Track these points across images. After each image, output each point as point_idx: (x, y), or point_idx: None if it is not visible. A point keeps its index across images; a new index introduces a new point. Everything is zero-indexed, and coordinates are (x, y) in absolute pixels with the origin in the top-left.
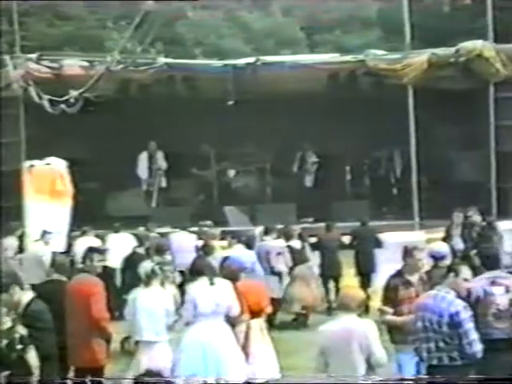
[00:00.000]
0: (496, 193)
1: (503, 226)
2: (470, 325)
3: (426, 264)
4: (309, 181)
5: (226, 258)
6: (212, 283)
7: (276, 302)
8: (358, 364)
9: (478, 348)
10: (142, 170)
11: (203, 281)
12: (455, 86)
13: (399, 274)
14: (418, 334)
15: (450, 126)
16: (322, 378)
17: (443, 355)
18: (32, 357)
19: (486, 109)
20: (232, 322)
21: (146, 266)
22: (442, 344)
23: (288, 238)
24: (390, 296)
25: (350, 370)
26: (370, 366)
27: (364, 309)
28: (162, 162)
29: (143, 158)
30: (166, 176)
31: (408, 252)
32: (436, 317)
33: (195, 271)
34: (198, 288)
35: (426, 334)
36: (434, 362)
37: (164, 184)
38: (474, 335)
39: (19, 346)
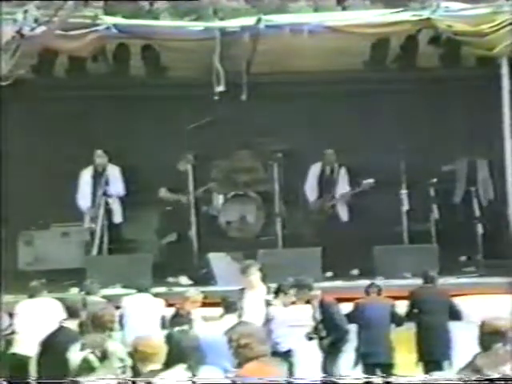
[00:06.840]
0: None
1: None
2: None
3: None
4: (342, 212)
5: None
6: None
7: None
8: None
9: None
10: (84, 195)
11: None
12: None
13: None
14: None
15: None
16: None
17: None
18: None
19: None
20: None
21: (76, 353)
22: None
23: (309, 301)
24: None
25: None
26: None
27: None
28: (116, 184)
29: (86, 176)
30: (121, 205)
31: (484, 334)
32: None
33: None
34: None
35: None
36: None
37: (119, 219)
38: None
39: None
